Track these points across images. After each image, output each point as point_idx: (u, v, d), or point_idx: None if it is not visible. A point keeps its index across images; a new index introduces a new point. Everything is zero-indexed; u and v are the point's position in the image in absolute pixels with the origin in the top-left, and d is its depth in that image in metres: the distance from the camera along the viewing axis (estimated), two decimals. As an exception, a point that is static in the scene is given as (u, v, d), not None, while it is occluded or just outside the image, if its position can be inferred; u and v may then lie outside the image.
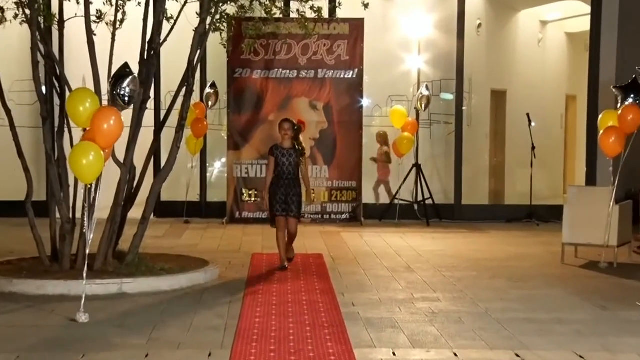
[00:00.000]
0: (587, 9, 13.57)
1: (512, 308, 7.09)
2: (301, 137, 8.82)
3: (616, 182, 9.29)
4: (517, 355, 5.59)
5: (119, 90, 6.80)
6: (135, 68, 8.14)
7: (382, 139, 13.51)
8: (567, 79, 15.53)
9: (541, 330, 6.32)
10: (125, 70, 6.93)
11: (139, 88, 7.47)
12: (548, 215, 12.92)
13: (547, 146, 13.94)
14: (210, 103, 12.70)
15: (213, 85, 12.66)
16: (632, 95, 9.04)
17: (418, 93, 12.82)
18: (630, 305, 7.28)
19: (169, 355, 5.52)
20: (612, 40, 13.31)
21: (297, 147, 8.63)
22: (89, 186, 6.81)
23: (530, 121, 13.06)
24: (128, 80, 6.83)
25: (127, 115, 7.17)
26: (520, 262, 9.56)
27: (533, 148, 12.99)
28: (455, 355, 5.61)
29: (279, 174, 8.56)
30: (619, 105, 9.16)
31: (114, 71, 7.30)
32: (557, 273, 8.89)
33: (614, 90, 9.27)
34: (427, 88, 12.78)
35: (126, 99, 6.85)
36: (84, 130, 6.78)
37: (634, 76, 9.16)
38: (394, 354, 5.62)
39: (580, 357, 5.60)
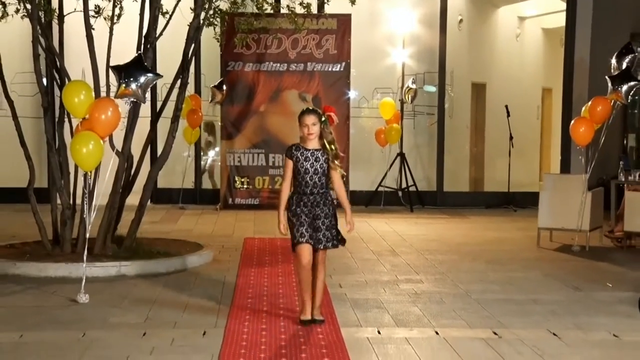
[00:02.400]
0: (563, 5, 13.58)
1: (491, 289, 7.13)
2: (330, 134, 5.76)
3: (589, 170, 9.35)
4: (495, 334, 5.63)
5: (142, 84, 6.73)
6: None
7: (209, 127, 13.58)
8: (544, 72, 15.56)
9: (518, 310, 6.36)
10: (144, 63, 6.87)
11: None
12: (525, 202, 12.97)
13: (524, 136, 13.99)
14: (215, 99, 12.55)
15: (221, 84, 12.49)
16: (621, 84, 9.00)
17: (406, 86, 12.83)
18: (602, 286, 7.33)
19: (165, 334, 5.53)
20: (586, 35, 13.33)
21: (328, 146, 5.72)
22: (89, 174, 6.81)
23: (508, 112, 13.10)
24: (153, 77, 6.82)
25: (124, 106, 7.15)
26: (498, 245, 9.60)
27: (511, 138, 13.04)
28: (437, 333, 5.65)
29: (300, 186, 5.68)
30: (607, 94, 9.13)
31: (112, 63, 7.28)
32: (533, 256, 8.93)
33: (608, 79, 9.18)
34: (413, 81, 12.80)
35: (143, 93, 6.82)
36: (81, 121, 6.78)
37: (626, 65, 9.08)
38: (379, 332, 5.65)
39: (555, 335, 5.64)
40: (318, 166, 5.68)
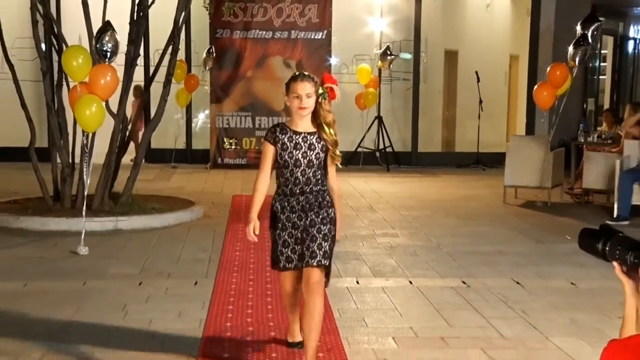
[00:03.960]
0: (530, -23, 13.51)
1: (461, 242, 7.19)
2: (329, 113, 3.84)
3: (552, 132, 9.39)
4: (464, 283, 5.69)
5: (99, 46, 6.70)
6: (126, 28, 8.03)
7: (139, 92, 11.50)
8: (511, 40, 15.50)
9: (485, 261, 6.42)
10: (105, 27, 6.81)
11: (131, 45, 7.34)
12: (492, 161, 13.03)
13: (492, 100, 14.00)
14: (207, 66, 12.41)
15: (210, 50, 12.33)
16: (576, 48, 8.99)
17: (381, 51, 12.74)
18: (561, 239, 7.41)
19: (160, 283, 5.54)
20: (551, 6, 13.30)
21: (327, 130, 3.80)
22: (88, 134, 6.74)
23: (478, 78, 13.08)
24: (107, 35, 6.72)
25: (119, 71, 7.06)
26: (468, 202, 9.67)
27: (480, 102, 13.05)
28: (411, 283, 5.70)
29: (287, 183, 3.83)
30: (568, 59, 9.12)
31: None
32: (500, 212, 9.00)
33: (571, 49, 9.15)
34: (390, 49, 12.74)
35: (107, 53, 6.73)
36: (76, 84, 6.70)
37: (591, 32, 9.03)
38: (357, 282, 5.69)
39: (518, 283, 5.72)
40: (313, 156, 3.78)
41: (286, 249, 3.80)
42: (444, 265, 6.26)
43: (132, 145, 9.09)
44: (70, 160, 8.02)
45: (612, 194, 8.72)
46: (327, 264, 3.78)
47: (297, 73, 3.91)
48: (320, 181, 3.83)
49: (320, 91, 3.83)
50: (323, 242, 3.77)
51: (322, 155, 3.80)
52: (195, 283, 5.57)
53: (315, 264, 3.75)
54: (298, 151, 3.78)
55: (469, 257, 6.52)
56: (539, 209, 9.11)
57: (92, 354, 4.13)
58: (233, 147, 12.68)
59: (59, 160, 8.01)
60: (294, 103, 3.77)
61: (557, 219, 8.55)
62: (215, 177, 11.55)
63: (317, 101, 3.80)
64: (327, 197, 3.85)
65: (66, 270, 5.93)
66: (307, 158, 3.78)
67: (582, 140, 10.16)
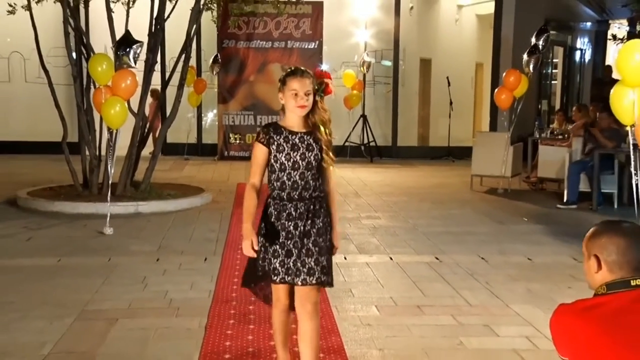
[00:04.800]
0: (493, -4, 13.48)
1: (434, 224, 7.19)
2: (325, 111, 3.06)
3: (511, 128, 9.39)
4: (437, 258, 5.70)
5: (130, 53, 6.63)
6: (145, 39, 7.96)
7: (155, 94, 10.90)
8: (477, 50, 15.48)
9: (455, 240, 6.43)
10: (131, 37, 6.75)
11: (149, 54, 7.28)
12: (461, 154, 13.03)
13: (461, 101, 13.98)
14: (215, 71, 12.35)
15: (217, 58, 12.26)
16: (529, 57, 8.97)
17: (361, 59, 12.70)
18: (520, 220, 7.43)
19: (175, 259, 5.53)
20: (510, 20, 13.27)
21: (322, 129, 3.02)
22: (115, 131, 6.70)
23: (449, 82, 13.06)
24: (137, 45, 6.67)
25: (139, 76, 7.01)
26: (440, 189, 9.67)
27: (451, 103, 13.04)
28: (391, 259, 5.70)
29: (284, 187, 3.01)
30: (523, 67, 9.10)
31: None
32: (467, 197, 9.01)
33: (525, 56, 9.13)
34: (368, 55, 12.71)
35: (134, 60, 6.69)
36: (100, 86, 6.65)
37: (542, 43, 9.00)
38: (345, 258, 5.68)
39: (483, 259, 5.73)
40: (312, 158, 2.99)
41: (275, 259, 2.95)
42: (419, 243, 6.26)
43: (150, 139, 9.04)
44: (97, 153, 7.97)
45: (563, 182, 8.73)
46: (327, 280, 2.96)
47: (294, 68, 3.03)
48: (319, 187, 3.02)
49: (317, 87, 3.06)
50: (320, 257, 2.93)
51: (320, 156, 3.00)
52: (205, 259, 5.56)
53: (314, 282, 2.91)
54: (296, 153, 2.97)
55: (441, 237, 6.52)
56: (501, 195, 9.12)
57: (117, 319, 4.12)
58: (238, 141, 12.64)
59: (87, 153, 7.96)
60: (291, 101, 2.95)
61: (516, 204, 8.56)
62: (222, 168, 11.50)
63: (315, 98, 3.00)
64: (325, 205, 3.05)
65: (94, 247, 5.91)
66: (306, 160, 2.97)
67: (537, 136, 10.16)
